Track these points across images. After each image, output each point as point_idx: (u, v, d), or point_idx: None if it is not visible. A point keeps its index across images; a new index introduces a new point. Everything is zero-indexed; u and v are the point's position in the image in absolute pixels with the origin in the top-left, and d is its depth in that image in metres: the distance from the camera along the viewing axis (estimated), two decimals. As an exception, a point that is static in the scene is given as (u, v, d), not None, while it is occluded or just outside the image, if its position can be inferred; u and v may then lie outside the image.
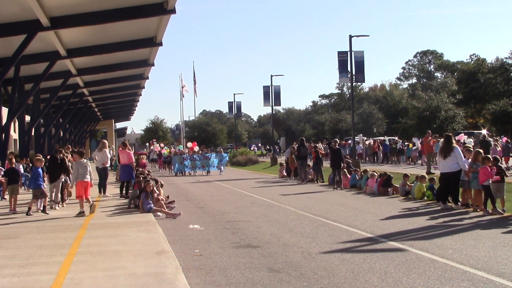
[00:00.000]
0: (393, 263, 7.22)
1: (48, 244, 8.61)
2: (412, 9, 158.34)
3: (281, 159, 45.13)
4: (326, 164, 23.18)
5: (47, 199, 13.01)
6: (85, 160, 12.71)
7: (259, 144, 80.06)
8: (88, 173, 12.37)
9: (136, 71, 31.39)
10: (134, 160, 17.00)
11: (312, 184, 21.64)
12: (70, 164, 14.45)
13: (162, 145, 44.68)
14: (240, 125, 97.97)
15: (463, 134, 31.47)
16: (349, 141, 39.66)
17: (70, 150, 19.25)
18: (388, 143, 35.20)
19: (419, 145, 30.93)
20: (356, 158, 30.69)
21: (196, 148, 34.61)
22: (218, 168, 30.51)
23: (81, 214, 11.87)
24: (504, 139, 29.55)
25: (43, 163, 13.98)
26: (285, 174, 25.69)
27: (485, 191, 11.85)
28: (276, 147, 61.38)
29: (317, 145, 34.34)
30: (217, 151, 34.24)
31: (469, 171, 12.35)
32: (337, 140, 23.62)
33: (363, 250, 8.28)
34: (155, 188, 13.29)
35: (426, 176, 15.72)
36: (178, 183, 24.01)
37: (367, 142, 38.17)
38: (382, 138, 42.97)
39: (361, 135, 42.23)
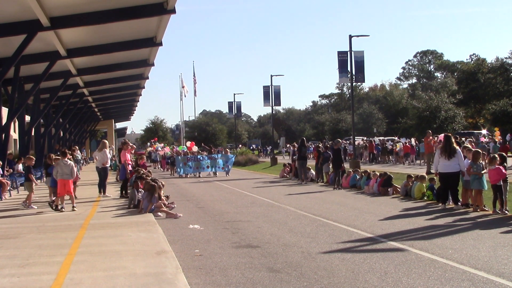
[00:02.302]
0: (393, 263, 7.22)
1: (48, 244, 8.61)
2: (412, 9, 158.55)
3: (263, 159, 45.38)
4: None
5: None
6: (66, 160, 13.33)
7: (254, 145, 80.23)
8: (70, 172, 13.10)
9: (136, 71, 31.31)
10: (129, 160, 17.01)
11: (312, 184, 21.64)
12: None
13: (162, 145, 44.47)
14: (240, 125, 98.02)
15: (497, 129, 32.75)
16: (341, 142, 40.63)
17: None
18: (378, 144, 36.79)
19: (402, 145, 32.80)
20: (355, 158, 30.79)
21: (195, 148, 33.37)
22: (223, 169, 28.83)
23: (59, 209, 12.80)
24: (482, 139, 29.71)
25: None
26: (286, 174, 25.70)
27: (496, 191, 11.69)
28: (268, 147, 62.42)
29: (319, 145, 34.78)
30: (222, 152, 32.61)
31: (468, 172, 12.34)
32: (339, 140, 23.63)
33: (363, 250, 8.28)
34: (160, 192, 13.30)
35: (426, 176, 15.73)
36: (178, 183, 23.99)
37: (356, 142, 38.54)
38: (371, 138, 43.85)
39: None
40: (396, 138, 42.99)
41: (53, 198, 13.61)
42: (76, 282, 6.21)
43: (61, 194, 13.07)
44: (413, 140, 35.34)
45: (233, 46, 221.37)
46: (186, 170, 28.40)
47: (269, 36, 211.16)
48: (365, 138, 45.45)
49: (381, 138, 45.57)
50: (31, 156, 14.81)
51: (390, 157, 34.70)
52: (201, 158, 29.03)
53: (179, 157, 29.19)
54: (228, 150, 35.42)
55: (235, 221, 11.40)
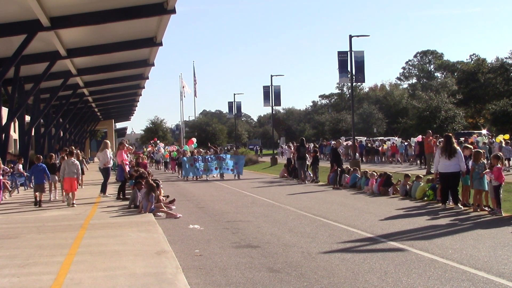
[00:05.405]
0: (393, 263, 7.22)
1: (48, 244, 8.61)
2: (412, 9, 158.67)
3: (263, 159, 45.69)
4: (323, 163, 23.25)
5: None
6: (73, 159, 14.33)
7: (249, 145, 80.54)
8: (76, 170, 14.05)
9: (136, 71, 31.30)
10: (126, 160, 17.01)
11: (312, 184, 21.64)
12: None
13: (162, 144, 44.23)
14: (240, 125, 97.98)
15: (476, 135, 33.55)
16: (331, 141, 41.86)
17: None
18: (364, 143, 38.34)
19: (390, 145, 34.36)
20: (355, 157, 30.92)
21: (194, 145, 31.64)
22: (233, 171, 26.47)
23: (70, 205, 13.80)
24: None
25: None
26: (286, 174, 25.69)
27: (497, 191, 11.64)
28: (258, 147, 63.58)
29: (315, 144, 35.50)
30: (230, 152, 30.33)
31: (471, 172, 12.34)
32: (339, 140, 23.76)
33: (363, 250, 8.28)
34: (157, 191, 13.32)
35: (422, 176, 15.73)
36: (178, 183, 23.99)
37: (344, 143, 38.95)
38: (360, 138, 44.69)
39: (343, 137, 43.03)
40: (396, 138, 43.24)
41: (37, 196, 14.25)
42: (76, 282, 6.20)
43: (67, 191, 14.04)
44: (399, 140, 36.18)
45: (233, 46, 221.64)
46: (193, 172, 26.00)
47: (269, 36, 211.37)
48: (344, 138, 46.25)
49: (368, 138, 46.83)
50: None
51: (376, 157, 36.06)
52: (209, 158, 26.45)
53: (185, 158, 26.80)
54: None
55: (235, 221, 11.40)
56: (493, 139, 30.11)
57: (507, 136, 29.99)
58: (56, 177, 16.03)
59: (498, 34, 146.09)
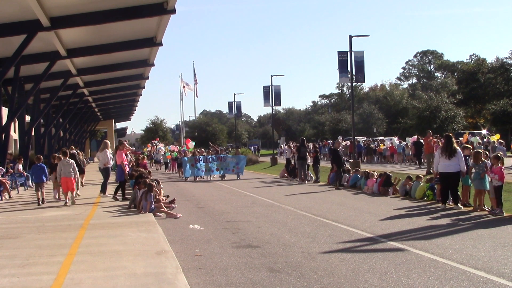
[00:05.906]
0: (393, 263, 7.22)
1: (48, 244, 8.61)
2: (412, 9, 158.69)
3: (263, 159, 45.71)
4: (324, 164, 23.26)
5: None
6: (68, 159, 14.60)
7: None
8: (72, 170, 14.30)
9: (136, 71, 31.32)
10: (125, 160, 16.99)
11: (312, 184, 21.64)
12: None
13: (162, 144, 44.20)
14: (240, 125, 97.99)
15: (467, 133, 33.47)
16: (329, 141, 42.08)
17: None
18: (362, 144, 38.64)
19: (388, 145, 34.77)
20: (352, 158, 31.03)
21: (191, 144, 31.29)
22: (235, 172, 26.11)
23: (65, 204, 14.09)
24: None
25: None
26: (286, 174, 25.67)
27: (500, 191, 11.67)
28: (256, 147, 64.06)
29: (315, 144, 35.71)
30: (230, 151, 29.83)
31: (470, 173, 12.35)
32: (338, 140, 23.81)
33: (363, 250, 8.28)
34: (156, 189, 13.35)
35: (422, 176, 15.72)
36: (178, 183, 23.99)
37: (343, 143, 39.09)
38: (358, 138, 45.22)
39: (340, 137, 43.14)
40: (396, 139, 43.37)
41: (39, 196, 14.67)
42: (76, 282, 6.20)
43: (65, 191, 14.44)
44: (396, 140, 36.40)
45: (233, 46, 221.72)
46: (195, 172, 25.75)
47: (269, 36, 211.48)
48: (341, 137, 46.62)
49: (368, 138, 47.27)
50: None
51: (374, 157, 36.27)
52: (210, 159, 26.16)
53: (186, 158, 26.45)
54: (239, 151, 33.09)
55: (235, 221, 11.40)
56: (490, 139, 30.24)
57: (497, 136, 30.18)
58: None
59: (498, 34, 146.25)
